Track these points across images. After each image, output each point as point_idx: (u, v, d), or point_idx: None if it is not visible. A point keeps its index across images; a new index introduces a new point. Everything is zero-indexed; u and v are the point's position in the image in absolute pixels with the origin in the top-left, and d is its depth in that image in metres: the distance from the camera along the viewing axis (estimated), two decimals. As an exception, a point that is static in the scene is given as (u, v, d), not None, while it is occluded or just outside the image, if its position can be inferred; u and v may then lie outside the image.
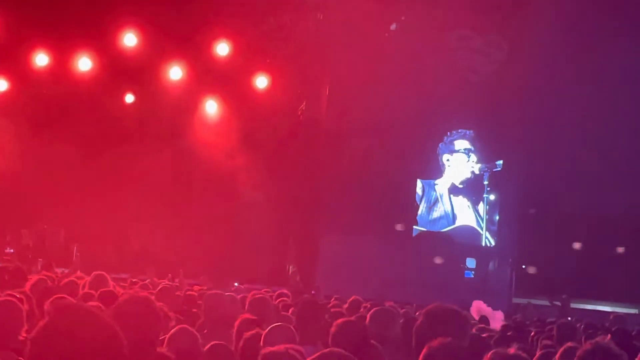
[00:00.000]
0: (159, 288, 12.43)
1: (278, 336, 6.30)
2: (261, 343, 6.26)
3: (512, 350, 4.75)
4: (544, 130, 27.29)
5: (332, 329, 6.55)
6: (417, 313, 11.11)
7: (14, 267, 11.40)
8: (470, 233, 28.92)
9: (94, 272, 10.79)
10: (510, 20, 28.44)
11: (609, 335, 9.47)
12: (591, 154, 27.56)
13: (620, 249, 28.51)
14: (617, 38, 26.70)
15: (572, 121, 27.10)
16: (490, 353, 4.62)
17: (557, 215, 28.90)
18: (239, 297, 10.04)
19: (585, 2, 26.23)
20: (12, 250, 25.94)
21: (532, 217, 28.77)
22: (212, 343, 6.39)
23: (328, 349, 3.74)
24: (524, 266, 29.67)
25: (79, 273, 15.91)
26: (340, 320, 6.73)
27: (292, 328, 6.70)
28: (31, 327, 6.94)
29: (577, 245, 27.73)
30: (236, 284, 22.44)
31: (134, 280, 14.87)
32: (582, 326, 12.69)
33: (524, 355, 4.74)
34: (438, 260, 27.72)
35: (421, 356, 4.53)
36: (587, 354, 5.40)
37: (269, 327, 6.62)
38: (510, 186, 28.92)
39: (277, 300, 12.63)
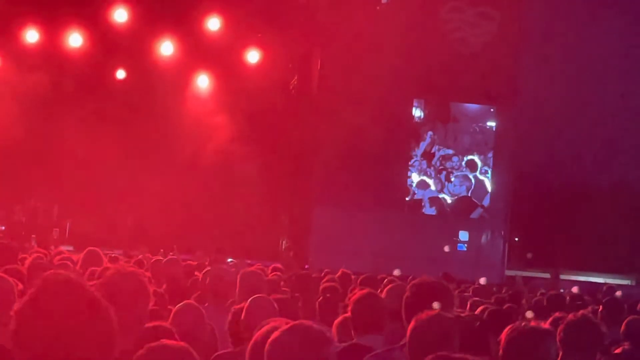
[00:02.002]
0: (152, 261, 12.49)
1: (259, 309, 6.25)
2: (242, 317, 6.25)
3: (532, 323, 4.80)
4: (537, 101, 27.29)
5: (354, 298, 6.44)
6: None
7: (4, 245, 11.36)
8: (466, 204, 29.00)
9: (87, 249, 10.77)
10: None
11: (600, 307, 9.53)
12: (583, 126, 27.61)
13: None
14: (607, 9, 26.71)
15: (564, 92, 27.09)
16: (508, 328, 4.66)
17: (549, 187, 28.95)
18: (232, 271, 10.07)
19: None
20: (3, 228, 25.90)
21: (525, 188, 28.80)
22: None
23: (299, 321, 3.78)
24: (516, 239, 29.75)
25: (60, 248, 15.95)
26: (364, 291, 6.61)
27: (272, 300, 6.64)
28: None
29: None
30: (230, 260, 22.47)
31: (112, 255, 14.84)
32: (569, 297, 12.72)
33: (545, 326, 4.78)
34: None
35: (409, 329, 4.57)
36: (571, 324, 5.46)
37: (249, 300, 6.56)
38: (503, 159, 28.96)
39: (270, 275, 12.68)
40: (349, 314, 6.38)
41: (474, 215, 29.04)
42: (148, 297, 4.56)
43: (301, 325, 3.69)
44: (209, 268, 10.32)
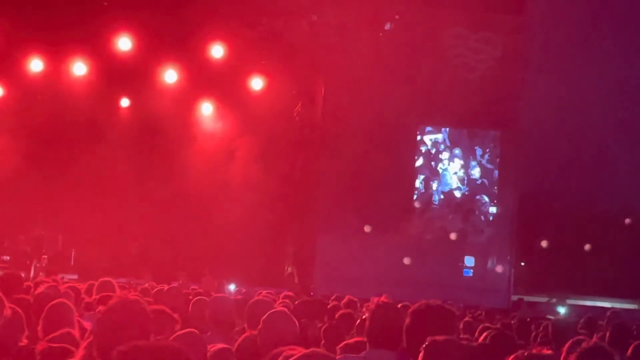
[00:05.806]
0: (155, 290, 12.44)
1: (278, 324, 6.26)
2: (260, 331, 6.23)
3: (535, 351, 4.75)
4: (540, 125, 27.28)
5: (370, 313, 5.91)
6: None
7: (9, 274, 11.36)
8: (468, 230, 28.93)
9: (101, 279, 10.77)
10: (505, 16, 28.60)
11: (608, 333, 9.48)
12: (587, 150, 27.62)
13: (587, 246, 28.49)
14: (610, 33, 26.80)
15: (567, 116, 27.12)
16: (512, 357, 4.59)
17: (554, 211, 28.91)
18: (237, 299, 10.04)
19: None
20: (7, 258, 25.80)
21: (530, 212, 28.75)
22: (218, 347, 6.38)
23: (310, 350, 3.77)
24: (522, 263, 29.68)
25: (40, 277, 15.95)
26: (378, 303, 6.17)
27: (293, 318, 6.60)
28: (32, 333, 6.99)
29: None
30: (233, 287, 22.46)
31: (121, 284, 14.83)
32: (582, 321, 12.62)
33: (547, 352, 4.72)
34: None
35: (421, 355, 4.53)
36: (585, 352, 5.42)
37: (268, 313, 6.56)
38: (508, 183, 28.91)
39: (281, 302, 12.66)
40: (366, 326, 5.97)
41: (480, 240, 28.96)
42: (148, 325, 4.60)
43: (315, 353, 3.69)
44: (202, 297, 10.24)
